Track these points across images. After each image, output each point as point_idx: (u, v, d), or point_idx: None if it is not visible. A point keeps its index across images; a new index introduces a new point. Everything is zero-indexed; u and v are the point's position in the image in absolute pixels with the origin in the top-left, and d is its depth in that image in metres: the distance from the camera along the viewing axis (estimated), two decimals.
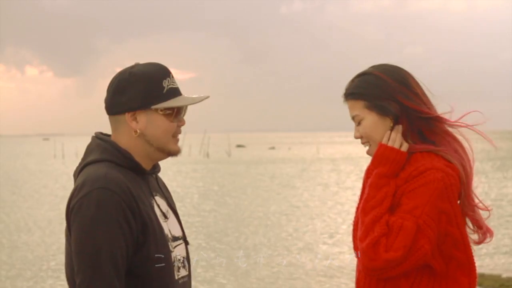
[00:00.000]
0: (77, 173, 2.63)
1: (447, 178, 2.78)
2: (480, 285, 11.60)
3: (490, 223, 2.99)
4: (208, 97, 2.71)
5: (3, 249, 17.58)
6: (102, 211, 2.47)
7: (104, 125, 2.76)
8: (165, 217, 2.67)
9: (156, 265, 2.55)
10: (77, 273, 2.48)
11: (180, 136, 2.72)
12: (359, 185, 2.99)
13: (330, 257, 15.96)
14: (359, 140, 2.97)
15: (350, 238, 2.97)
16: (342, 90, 2.97)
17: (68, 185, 34.39)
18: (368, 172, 2.92)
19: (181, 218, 2.81)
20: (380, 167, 2.85)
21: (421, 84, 2.94)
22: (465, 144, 2.93)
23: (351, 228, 2.97)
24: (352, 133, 2.96)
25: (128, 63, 2.69)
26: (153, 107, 2.62)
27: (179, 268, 2.65)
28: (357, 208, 2.91)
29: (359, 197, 2.94)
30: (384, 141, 2.88)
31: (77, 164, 2.68)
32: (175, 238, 2.67)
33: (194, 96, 2.70)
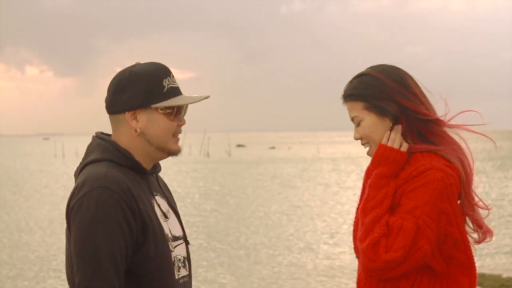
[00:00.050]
0: (78, 173, 2.64)
1: (447, 178, 2.78)
2: (480, 285, 11.59)
3: (491, 223, 3.00)
4: (208, 96, 2.71)
5: (4, 249, 17.59)
6: (101, 211, 2.47)
7: (104, 125, 2.77)
8: (166, 217, 2.67)
9: (156, 265, 2.55)
10: (77, 272, 2.48)
11: (180, 136, 2.72)
12: (360, 184, 2.99)
13: (331, 257, 15.97)
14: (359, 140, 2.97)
15: (351, 238, 2.98)
16: (341, 91, 2.97)
17: (68, 185, 34.39)
18: (368, 172, 2.93)
19: (182, 218, 2.81)
20: (380, 168, 2.85)
21: (419, 84, 2.94)
22: (463, 145, 2.93)
23: (351, 228, 2.97)
24: (352, 133, 2.97)
25: (128, 63, 2.69)
26: (153, 106, 2.62)
27: (179, 268, 2.65)
28: (357, 209, 2.91)
29: (359, 197, 2.94)
30: (383, 141, 2.88)
31: (77, 164, 2.69)
32: (176, 238, 2.67)
33: (194, 95, 2.70)
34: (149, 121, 2.63)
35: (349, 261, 14.92)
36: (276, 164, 56.86)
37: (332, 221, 22.19)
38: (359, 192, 2.97)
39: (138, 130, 2.63)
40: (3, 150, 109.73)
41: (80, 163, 2.65)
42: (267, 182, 37.85)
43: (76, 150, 76.22)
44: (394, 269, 2.73)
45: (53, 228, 21.16)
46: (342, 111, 2.99)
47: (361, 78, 2.94)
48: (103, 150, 2.63)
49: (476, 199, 2.91)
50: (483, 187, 31.12)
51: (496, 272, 13.50)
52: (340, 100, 2.98)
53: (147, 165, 2.68)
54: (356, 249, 2.88)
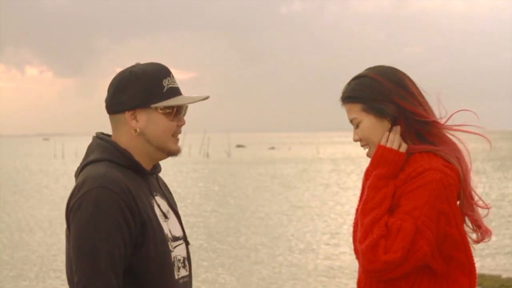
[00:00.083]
0: (78, 173, 2.64)
1: (446, 179, 2.78)
2: (480, 285, 11.59)
3: (491, 224, 3.00)
4: (208, 97, 2.71)
5: (5, 249, 17.60)
6: (100, 210, 2.48)
7: (104, 125, 2.78)
8: (165, 217, 2.68)
9: (155, 265, 2.56)
10: (75, 271, 2.48)
11: (180, 136, 2.73)
12: (360, 185, 2.99)
13: (331, 257, 15.98)
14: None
15: (351, 239, 2.98)
16: (340, 92, 2.98)
17: (69, 185, 34.39)
18: (367, 173, 2.93)
19: (182, 218, 2.82)
20: (379, 169, 2.85)
21: (417, 84, 2.95)
22: (461, 145, 2.93)
23: (351, 229, 2.98)
24: (351, 133, 2.97)
25: (128, 63, 2.70)
26: (153, 105, 2.63)
27: (179, 268, 2.66)
28: (357, 210, 2.92)
29: (358, 198, 2.94)
30: (382, 142, 2.88)
31: (77, 164, 2.69)
32: (175, 238, 2.68)
33: (194, 95, 2.71)
34: (149, 121, 2.64)
35: (350, 262, 14.93)
36: (276, 164, 56.88)
37: (333, 221, 22.20)
38: (359, 193, 2.97)
39: (138, 129, 2.64)
40: (3, 150, 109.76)
41: (81, 163, 2.66)
42: (267, 183, 37.86)
43: (76, 150, 76.24)
44: (393, 270, 2.73)
45: (54, 228, 21.17)
46: (341, 112, 3.00)
47: (358, 80, 2.94)
48: (103, 150, 2.63)
49: (476, 198, 2.92)
50: (483, 187, 31.14)
51: (496, 272, 13.50)
52: (339, 101, 2.99)
53: (147, 165, 2.69)
54: (355, 250, 2.88)
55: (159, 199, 2.69)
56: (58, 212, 24.62)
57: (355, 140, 2.96)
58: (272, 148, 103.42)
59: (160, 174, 2.83)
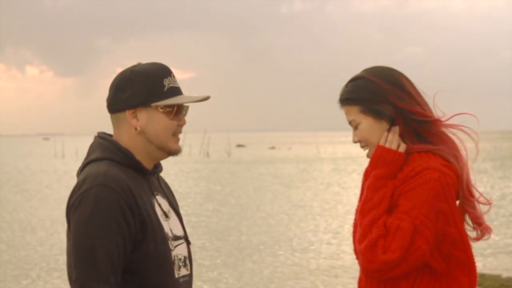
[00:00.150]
0: (79, 172, 2.66)
1: (444, 178, 2.78)
2: (480, 285, 11.59)
3: (492, 223, 3.01)
4: (208, 97, 2.72)
5: (7, 248, 17.61)
6: (100, 208, 2.49)
7: (104, 124, 2.79)
8: (166, 216, 2.69)
9: (155, 263, 2.57)
10: (74, 268, 2.50)
11: (180, 136, 2.74)
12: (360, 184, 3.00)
13: (333, 256, 15.99)
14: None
15: (352, 239, 2.98)
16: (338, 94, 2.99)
17: (70, 185, 34.36)
18: (366, 174, 2.94)
19: (183, 218, 2.83)
20: (378, 169, 2.86)
21: (415, 84, 2.95)
22: (460, 144, 2.94)
23: (352, 229, 2.98)
24: (351, 133, 2.98)
25: (129, 63, 2.71)
26: (153, 104, 2.64)
27: (179, 267, 2.67)
28: (356, 210, 2.92)
29: (358, 199, 2.95)
30: (381, 143, 2.88)
31: (78, 164, 2.71)
32: (176, 238, 2.69)
33: (194, 95, 2.72)
34: (149, 120, 2.65)
35: (351, 261, 14.92)
36: (276, 164, 56.85)
37: (334, 220, 22.20)
38: (359, 193, 2.98)
39: (138, 128, 2.65)
40: (3, 150, 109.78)
41: (82, 163, 2.68)
42: (268, 182, 37.85)
43: (76, 150, 76.24)
44: (392, 270, 2.74)
45: (55, 227, 21.17)
46: (341, 112, 3.01)
47: (355, 82, 2.95)
48: (104, 149, 2.65)
49: (477, 195, 2.92)
50: (484, 187, 31.12)
51: (496, 272, 13.48)
52: (338, 103, 3.00)
53: (148, 164, 2.70)
54: (355, 251, 2.89)
55: (160, 199, 2.70)
56: (60, 212, 24.61)
57: (355, 142, 2.97)
58: (273, 147, 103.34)
59: (162, 174, 2.84)
